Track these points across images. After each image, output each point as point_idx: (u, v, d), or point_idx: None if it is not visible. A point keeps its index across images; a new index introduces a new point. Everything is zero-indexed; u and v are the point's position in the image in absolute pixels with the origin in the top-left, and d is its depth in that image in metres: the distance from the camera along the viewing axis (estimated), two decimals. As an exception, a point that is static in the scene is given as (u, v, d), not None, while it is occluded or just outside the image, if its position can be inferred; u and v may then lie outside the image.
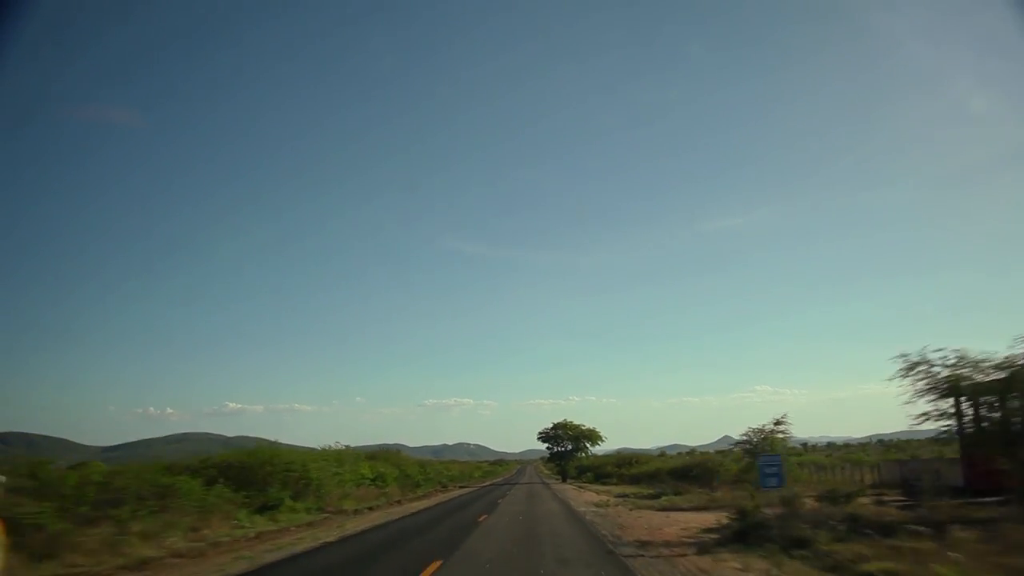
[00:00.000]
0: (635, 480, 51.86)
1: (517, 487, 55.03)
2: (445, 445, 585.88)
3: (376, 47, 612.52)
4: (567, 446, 71.61)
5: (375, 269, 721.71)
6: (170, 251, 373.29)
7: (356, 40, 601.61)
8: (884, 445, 67.92)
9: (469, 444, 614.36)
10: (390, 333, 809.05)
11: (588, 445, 70.86)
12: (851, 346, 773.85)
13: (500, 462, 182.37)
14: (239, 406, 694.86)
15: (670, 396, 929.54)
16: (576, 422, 71.92)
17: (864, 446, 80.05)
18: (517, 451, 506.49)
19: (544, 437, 72.84)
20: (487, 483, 74.69)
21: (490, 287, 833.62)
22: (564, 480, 70.49)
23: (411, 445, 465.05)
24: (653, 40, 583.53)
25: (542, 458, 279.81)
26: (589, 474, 67.74)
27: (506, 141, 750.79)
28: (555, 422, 72.70)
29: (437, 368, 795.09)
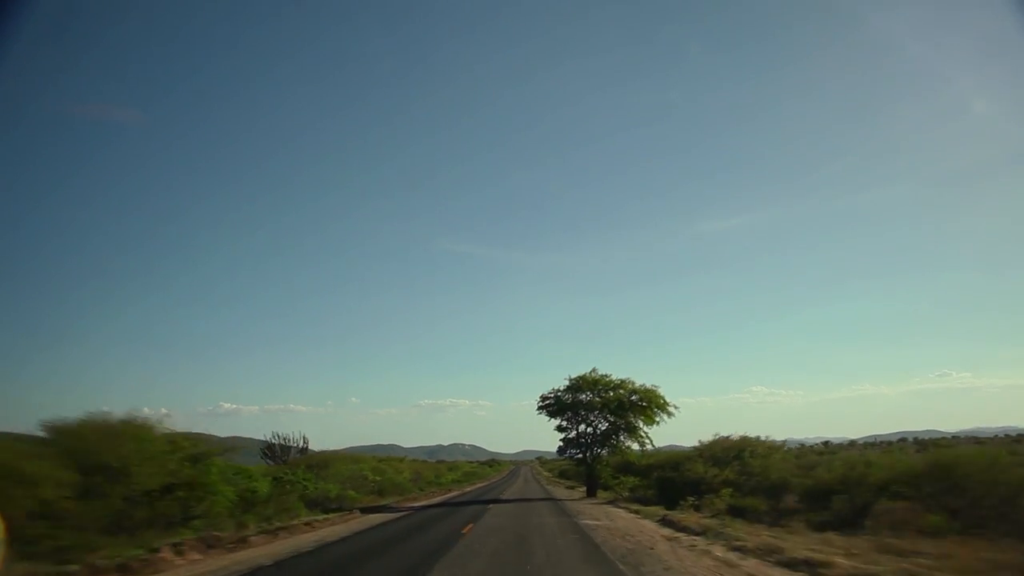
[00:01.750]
0: (813, 506, 18.49)
1: (490, 518, 22.20)
2: (440, 445, 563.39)
3: (375, 48, 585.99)
4: (598, 425, 36.17)
5: (372, 270, 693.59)
6: (168, 252, 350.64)
7: (355, 41, 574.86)
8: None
9: (464, 445, 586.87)
10: (386, 334, 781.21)
11: (641, 425, 35.20)
12: (845, 347, 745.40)
13: (492, 462, 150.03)
14: (234, 407, 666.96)
15: (665, 397, 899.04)
16: (615, 377, 36.35)
17: None
18: (513, 451, 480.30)
19: (552, 407, 37.02)
20: (446, 497, 41.38)
21: (486, 288, 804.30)
22: (592, 493, 36.50)
23: (406, 446, 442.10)
24: (652, 41, 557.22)
25: (539, 458, 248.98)
26: (631, 479, 34.22)
27: (504, 142, 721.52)
28: (574, 376, 36.91)
29: (433, 369, 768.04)
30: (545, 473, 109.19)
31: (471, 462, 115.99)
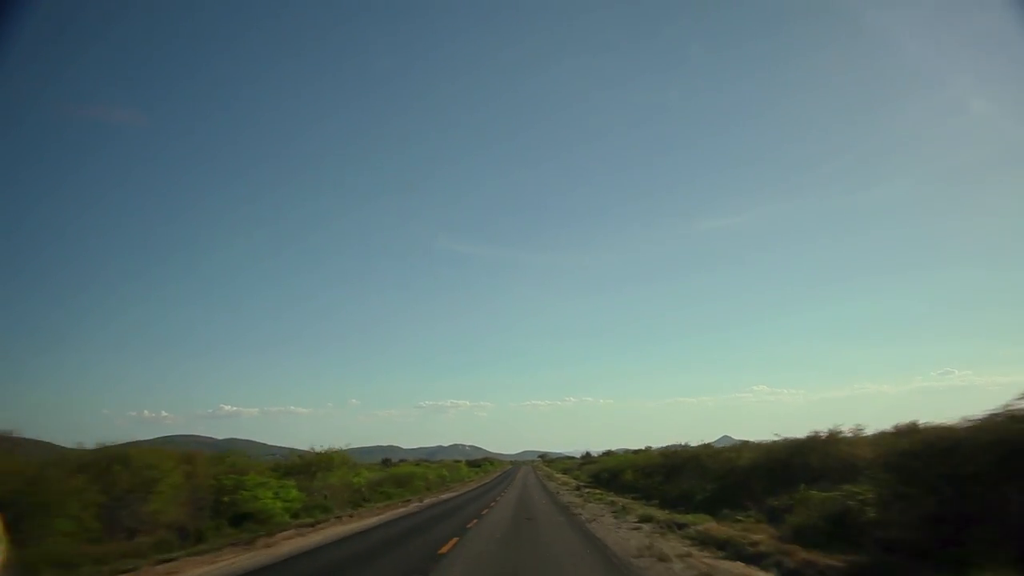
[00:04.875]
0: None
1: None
2: (440, 446, 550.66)
3: (375, 48, 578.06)
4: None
5: (372, 270, 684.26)
6: (167, 254, 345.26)
7: (355, 40, 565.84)
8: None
9: (465, 445, 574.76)
10: (387, 334, 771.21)
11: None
12: (847, 345, 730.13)
13: (484, 461, 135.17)
14: (234, 408, 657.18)
15: (666, 397, 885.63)
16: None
17: None
18: (514, 452, 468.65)
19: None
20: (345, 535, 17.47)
21: (487, 288, 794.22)
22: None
23: (406, 447, 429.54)
24: (652, 39, 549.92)
25: (542, 456, 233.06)
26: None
27: (503, 141, 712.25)
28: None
29: (433, 369, 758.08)
30: (559, 476, 72.07)
31: (457, 461, 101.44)
